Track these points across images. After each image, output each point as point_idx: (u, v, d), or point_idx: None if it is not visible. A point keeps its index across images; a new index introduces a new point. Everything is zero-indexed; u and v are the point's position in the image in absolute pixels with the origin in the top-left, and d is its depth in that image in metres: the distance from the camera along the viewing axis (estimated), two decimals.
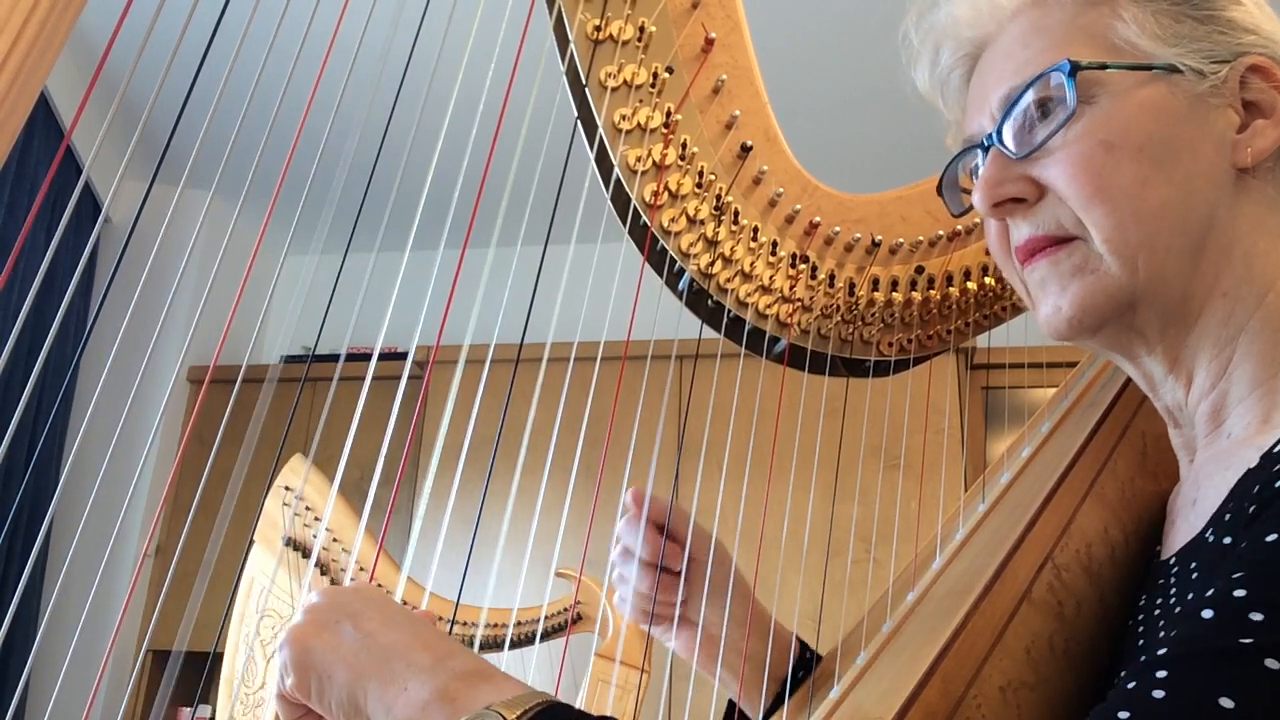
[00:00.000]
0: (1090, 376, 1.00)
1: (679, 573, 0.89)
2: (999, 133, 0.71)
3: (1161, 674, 0.51)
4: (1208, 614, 0.52)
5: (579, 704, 2.03)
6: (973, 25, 0.76)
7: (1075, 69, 0.67)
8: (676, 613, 0.91)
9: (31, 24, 0.56)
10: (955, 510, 0.92)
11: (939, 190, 0.84)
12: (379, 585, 1.86)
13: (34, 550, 3.11)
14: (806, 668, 0.91)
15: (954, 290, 0.98)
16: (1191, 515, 0.70)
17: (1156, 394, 0.74)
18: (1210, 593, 0.53)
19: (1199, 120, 0.67)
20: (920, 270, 0.97)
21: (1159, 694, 0.50)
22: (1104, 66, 0.68)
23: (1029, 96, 0.70)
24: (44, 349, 0.70)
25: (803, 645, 0.94)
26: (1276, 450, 0.60)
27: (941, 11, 0.79)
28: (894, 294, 0.96)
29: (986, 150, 0.72)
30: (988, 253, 0.99)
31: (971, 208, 0.81)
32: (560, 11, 0.86)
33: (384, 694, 0.58)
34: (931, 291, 0.97)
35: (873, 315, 0.95)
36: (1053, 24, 0.72)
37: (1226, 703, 0.47)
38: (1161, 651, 0.52)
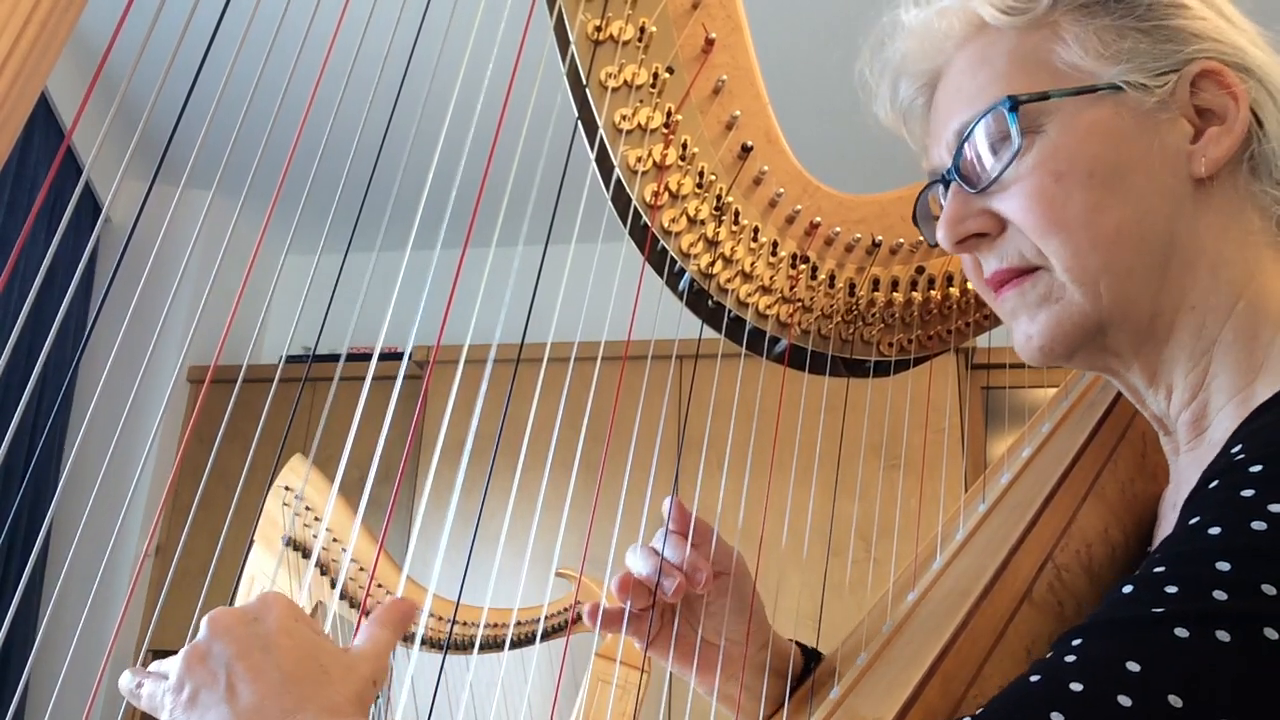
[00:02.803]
0: (1091, 377, 1.00)
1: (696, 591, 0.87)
2: (956, 168, 0.71)
3: (1076, 642, 0.52)
4: (1127, 589, 0.53)
5: (579, 703, 2.03)
6: (923, 58, 0.76)
7: (1016, 104, 0.67)
8: (668, 628, 0.89)
9: (32, 25, 0.56)
10: (956, 510, 0.92)
11: (914, 221, 0.84)
12: (387, 592, 1.86)
13: (34, 550, 3.11)
14: (809, 672, 0.91)
15: (954, 290, 0.98)
16: (1172, 517, 0.71)
17: (1143, 404, 0.75)
18: (1137, 573, 0.54)
19: (1149, 136, 0.67)
20: (921, 270, 0.97)
21: (1070, 659, 0.51)
22: (1045, 96, 0.68)
23: (977, 132, 0.70)
24: (44, 349, 0.70)
25: (805, 650, 0.93)
26: (1232, 450, 0.60)
27: (892, 48, 0.79)
28: (894, 294, 0.96)
29: (948, 185, 0.73)
30: None
31: None
32: (561, 12, 0.86)
33: None
34: (932, 292, 0.97)
35: (873, 315, 0.95)
36: (995, 54, 0.71)
37: (1133, 666, 0.48)
38: (1085, 621, 0.53)
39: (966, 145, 0.70)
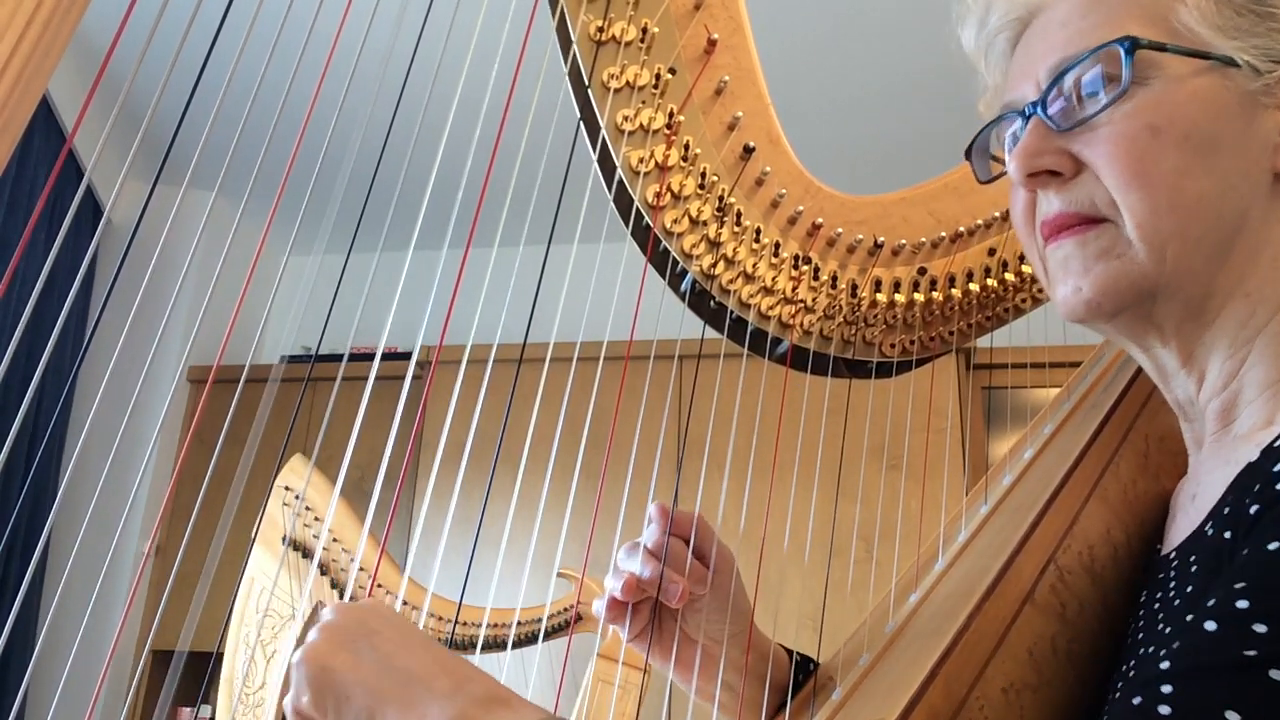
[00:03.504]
0: (1093, 379, 0.99)
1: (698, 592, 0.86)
2: (1044, 102, 0.70)
3: (1167, 689, 0.50)
4: (1211, 626, 0.51)
5: (579, 704, 2.03)
6: None
7: (1135, 46, 0.66)
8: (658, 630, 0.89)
9: (34, 26, 0.56)
10: (958, 512, 0.92)
11: (967, 155, 0.82)
12: (387, 593, 1.86)
13: (36, 550, 3.11)
14: (805, 675, 0.90)
15: (956, 292, 0.98)
16: (1191, 510, 0.70)
17: (1168, 386, 0.74)
18: (1212, 603, 0.53)
19: (1247, 118, 0.66)
20: (923, 271, 0.97)
21: (1165, 709, 0.50)
22: (1163, 48, 0.66)
23: (1081, 69, 0.68)
24: (45, 350, 0.70)
25: (797, 655, 0.93)
26: (1277, 444, 0.60)
27: None
28: (896, 295, 0.96)
29: (1027, 119, 0.71)
30: (990, 254, 0.99)
31: (998, 176, 0.80)
32: (563, 12, 0.86)
33: (403, 719, 0.57)
34: (934, 293, 0.97)
35: (875, 317, 0.95)
36: None
37: (1233, 716, 0.47)
38: (1165, 666, 0.52)
39: (1065, 80, 0.69)
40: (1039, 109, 0.70)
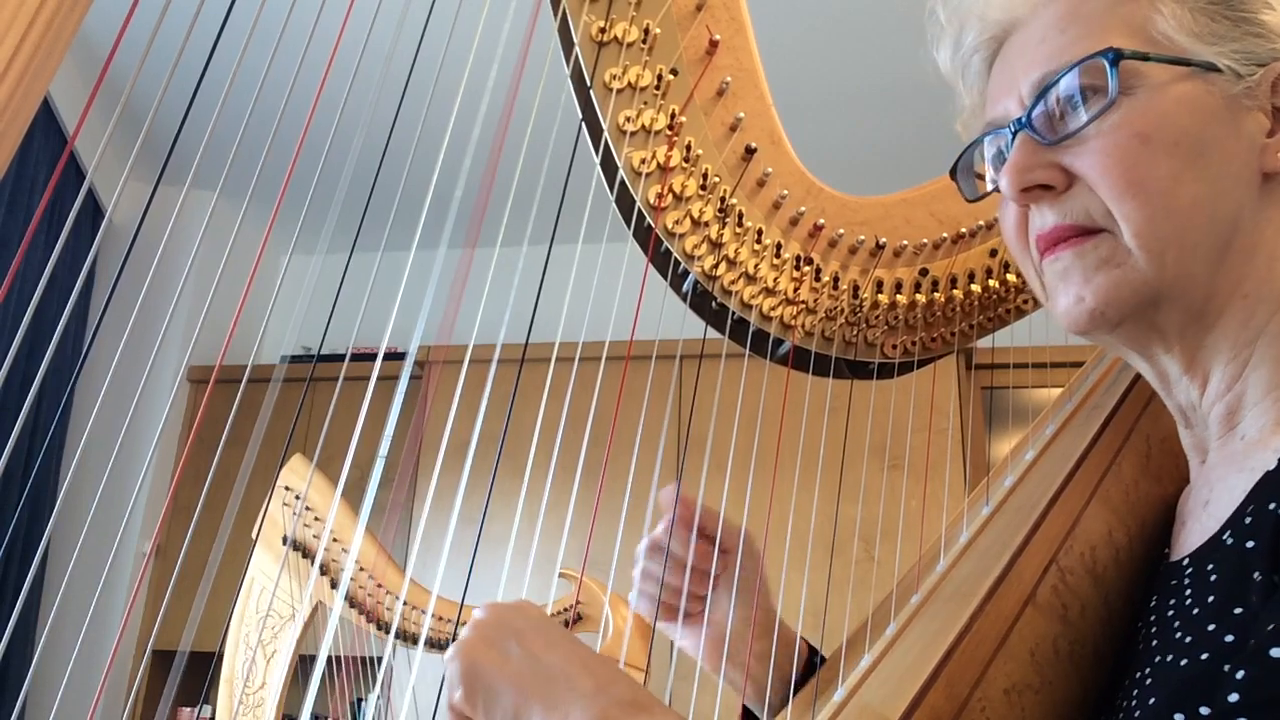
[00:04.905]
0: (1094, 379, 0.99)
1: (706, 570, 0.90)
2: (1030, 118, 0.70)
3: None
4: (1277, 653, 0.51)
5: None
6: (1003, 8, 0.75)
7: (1119, 57, 0.66)
8: (683, 606, 0.91)
9: (35, 29, 0.56)
10: (960, 512, 0.92)
11: (953, 175, 0.83)
12: (388, 593, 1.87)
13: (37, 551, 3.11)
14: (813, 669, 0.91)
15: (958, 293, 0.98)
16: (1204, 516, 0.70)
17: (1170, 392, 0.73)
18: (1272, 627, 0.52)
19: (1232, 121, 0.67)
20: (924, 273, 0.97)
21: None
22: (1146, 57, 0.67)
23: (1066, 82, 0.68)
24: (46, 350, 0.70)
25: (810, 647, 0.93)
26: None
27: None
28: (898, 296, 0.96)
29: (1014, 135, 0.71)
30: (992, 255, 0.99)
31: (986, 195, 0.80)
32: (565, 13, 0.86)
33: (547, 717, 0.59)
34: (935, 294, 0.97)
35: (877, 318, 0.95)
36: (1090, 11, 0.70)
37: None
38: (1234, 698, 0.51)
39: (1050, 95, 0.69)
40: (1025, 124, 0.70)
